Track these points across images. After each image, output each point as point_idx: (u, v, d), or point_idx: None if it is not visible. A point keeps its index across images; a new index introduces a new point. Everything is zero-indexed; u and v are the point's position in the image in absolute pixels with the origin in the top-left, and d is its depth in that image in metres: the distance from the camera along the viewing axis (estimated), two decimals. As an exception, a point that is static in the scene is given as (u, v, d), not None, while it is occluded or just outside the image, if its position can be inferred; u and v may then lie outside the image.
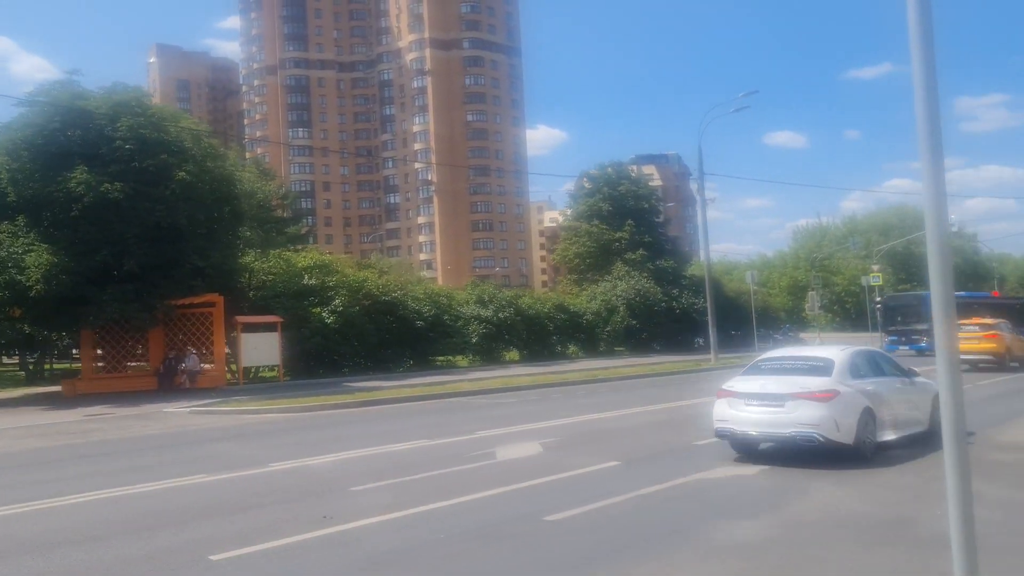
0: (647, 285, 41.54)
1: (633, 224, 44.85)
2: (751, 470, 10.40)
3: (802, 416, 10.39)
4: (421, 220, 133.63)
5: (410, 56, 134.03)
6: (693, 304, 39.82)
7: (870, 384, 11.32)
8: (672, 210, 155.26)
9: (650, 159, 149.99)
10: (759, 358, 12.72)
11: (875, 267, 48.03)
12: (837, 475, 9.87)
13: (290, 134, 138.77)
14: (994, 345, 27.31)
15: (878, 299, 43.87)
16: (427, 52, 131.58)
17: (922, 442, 11.77)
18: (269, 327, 26.60)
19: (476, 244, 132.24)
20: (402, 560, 7.00)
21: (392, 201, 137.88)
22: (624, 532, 7.65)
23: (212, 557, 7.10)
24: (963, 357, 24.29)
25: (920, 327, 34.99)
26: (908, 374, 12.69)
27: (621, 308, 40.36)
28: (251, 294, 28.38)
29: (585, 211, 47.20)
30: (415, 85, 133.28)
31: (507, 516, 8.39)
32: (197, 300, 25.25)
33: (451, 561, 6.96)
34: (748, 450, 11.31)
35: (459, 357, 34.24)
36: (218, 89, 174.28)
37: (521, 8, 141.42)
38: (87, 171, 22.16)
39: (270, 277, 29.30)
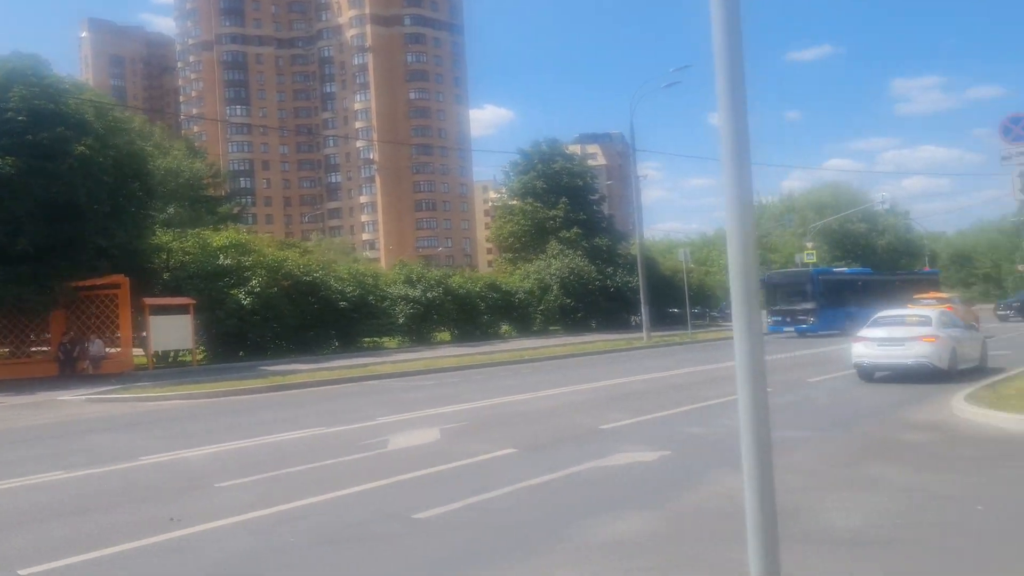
0: (581, 263, 40.98)
1: (568, 202, 44.14)
2: (651, 456, 9.80)
3: (919, 351, 15.97)
4: (363, 199, 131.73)
5: (351, 32, 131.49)
6: (628, 282, 39.39)
7: (955, 332, 16.88)
8: (615, 189, 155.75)
9: (594, 138, 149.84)
10: (878, 315, 18.21)
11: (809, 244, 48.18)
12: (738, 460, 9.31)
13: (227, 112, 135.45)
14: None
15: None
16: (368, 28, 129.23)
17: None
18: (181, 309, 25.38)
19: (420, 224, 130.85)
20: (242, 570, 6.20)
21: (333, 180, 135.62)
22: (499, 530, 6.96)
23: (21, 572, 6.22)
24: None
25: (806, 306, 34.29)
26: (969, 328, 19.20)
27: (555, 287, 39.76)
28: (165, 275, 27.09)
29: (519, 189, 46.35)
30: (356, 62, 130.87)
31: (378, 513, 7.63)
32: (100, 282, 23.92)
33: (294, 570, 6.18)
34: (869, 376, 16.95)
35: (388, 339, 33.34)
36: (153, 65, 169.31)
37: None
38: (-29, 145, 20.72)
39: (187, 257, 27.99)
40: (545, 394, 17.03)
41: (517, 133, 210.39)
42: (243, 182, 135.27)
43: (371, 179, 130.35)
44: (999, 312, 44.44)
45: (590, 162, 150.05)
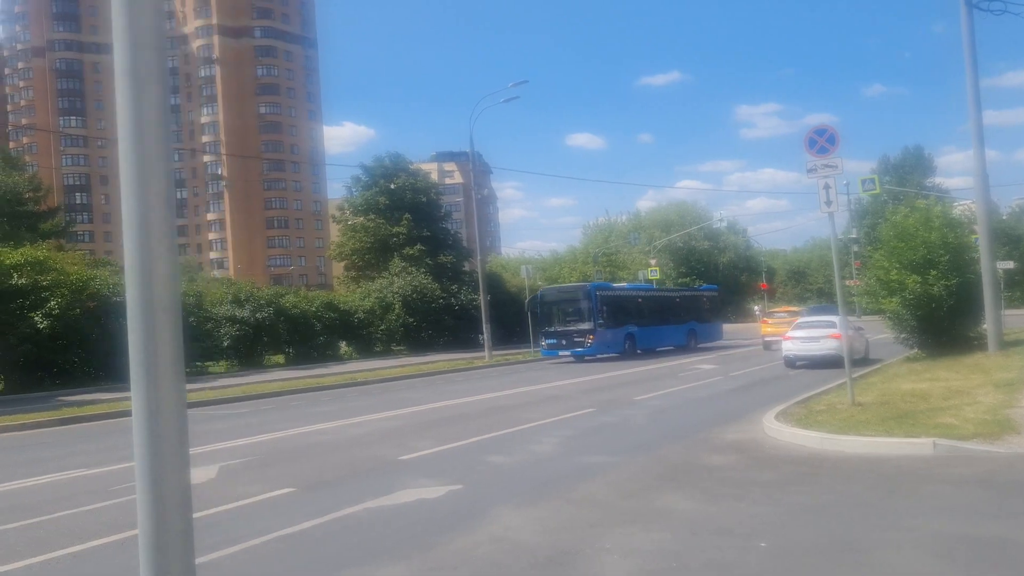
0: (424, 281, 39.93)
1: (411, 218, 43.05)
2: (438, 491, 8.87)
3: (829, 345, 21.52)
4: (211, 217, 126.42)
5: (197, 43, 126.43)
6: (474, 300, 38.65)
7: (851, 332, 18.80)
8: (471, 206, 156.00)
9: (451, 156, 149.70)
10: (800, 320, 25.98)
11: (652, 261, 49.02)
12: (532, 492, 8.53)
13: (61, 123, 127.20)
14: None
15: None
16: (215, 39, 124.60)
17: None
18: (-36, 334, 22.75)
19: (271, 242, 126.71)
20: None
21: (179, 197, 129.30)
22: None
23: None
24: (775, 339, 29.24)
25: (583, 326, 30.65)
26: (859, 329, 24.88)
27: (397, 305, 38.55)
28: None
29: (362, 204, 44.88)
30: (203, 74, 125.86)
31: (87, 580, 6.36)
32: None
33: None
34: (792, 364, 22.92)
35: (214, 363, 31.21)
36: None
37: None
38: None
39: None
40: (359, 420, 15.90)
41: (377, 150, 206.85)
42: (79, 197, 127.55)
43: (219, 195, 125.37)
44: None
45: (447, 180, 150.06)
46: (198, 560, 5.69)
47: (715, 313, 39.50)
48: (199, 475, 10.44)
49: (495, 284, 45.72)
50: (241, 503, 8.77)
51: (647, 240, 66.01)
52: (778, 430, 11.16)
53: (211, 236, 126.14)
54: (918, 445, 9.43)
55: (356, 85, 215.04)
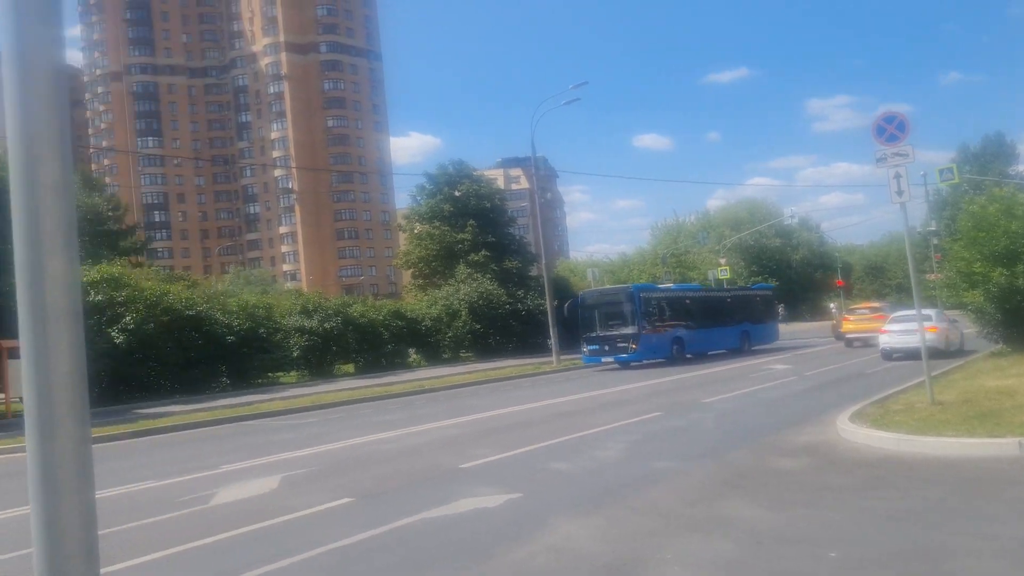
0: (490, 287, 39.87)
1: (475, 224, 43.11)
2: (498, 500, 8.68)
3: (928, 338, 18.13)
4: (283, 230, 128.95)
5: (265, 61, 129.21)
6: (540, 305, 38.41)
7: (946, 324, 22.37)
8: (541, 211, 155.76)
9: (517, 162, 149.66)
10: (896, 314, 25.76)
11: (722, 260, 48.09)
12: (593, 499, 8.28)
13: (139, 143, 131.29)
14: (879, 325, 29.52)
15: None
16: (283, 56, 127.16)
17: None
18: (46, 351, 23.31)
19: (342, 253, 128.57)
20: None
21: (252, 211, 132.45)
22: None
23: None
24: (857, 335, 31.44)
25: (627, 330, 28.80)
26: (954, 321, 26.10)
27: (463, 312, 38.56)
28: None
29: (427, 212, 45.16)
30: (272, 91, 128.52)
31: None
32: (-55, 325, 21.80)
33: None
34: (889, 357, 23.74)
35: (285, 373, 31.64)
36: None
37: (380, 11, 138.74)
38: None
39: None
40: (422, 428, 15.82)
41: (442, 159, 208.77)
42: (158, 215, 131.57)
43: (290, 209, 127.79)
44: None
45: (513, 185, 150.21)
46: (247, 573, 5.62)
47: (769, 313, 37.39)
48: (263, 486, 10.49)
49: (562, 288, 45.44)
50: (299, 514, 8.71)
51: (716, 239, 64.89)
52: (852, 432, 10.67)
53: (284, 249, 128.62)
54: (1002, 446, 8.87)
55: (421, 95, 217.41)
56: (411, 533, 7.58)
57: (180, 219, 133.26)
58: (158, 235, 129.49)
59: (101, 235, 55.11)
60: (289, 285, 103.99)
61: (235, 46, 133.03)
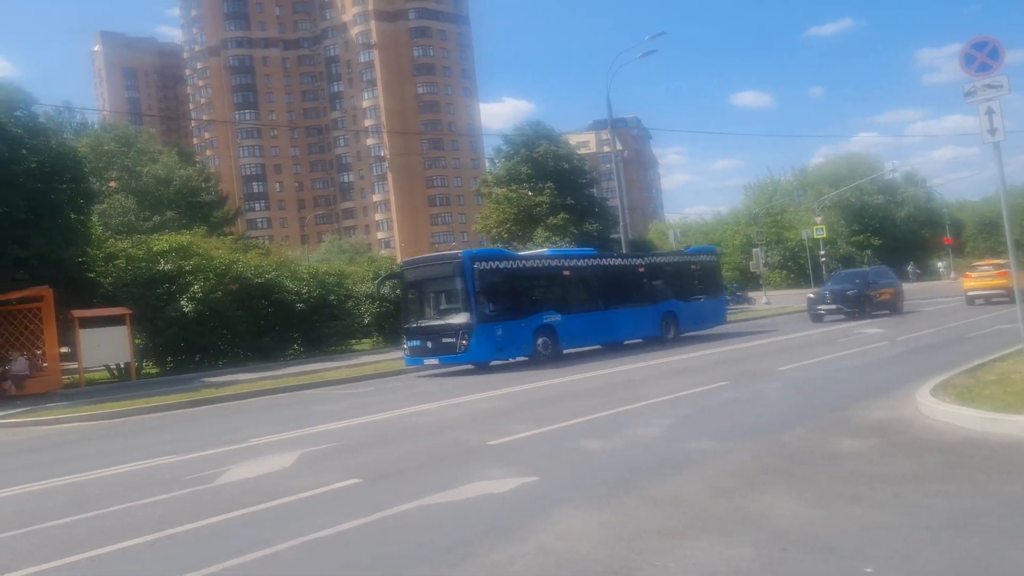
0: (569, 251, 38.69)
1: (553, 186, 41.83)
2: (509, 485, 7.74)
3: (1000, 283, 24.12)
4: (376, 198, 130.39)
5: (355, 30, 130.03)
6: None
7: None
8: (632, 173, 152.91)
9: (607, 124, 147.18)
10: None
11: (817, 218, 45.55)
12: (611, 486, 7.26)
13: (236, 116, 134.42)
14: (1005, 280, 28.89)
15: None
16: (372, 24, 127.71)
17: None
18: (116, 320, 23.66)
19: (434, 219, 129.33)
20: None
21: (346, 180, 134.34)
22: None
23: None
24: (979, 293, 30.42)
25: (455, 320, 20.14)
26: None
27: (542, 277, 37.53)
28: (108, 284, 25.41)
29: (504, 176, 44.13)
30: (362, 59, 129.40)
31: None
32: (20, 295, 22.17)
33: None
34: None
35: (358, 341, 31.33)
36: (167, 76, 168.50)
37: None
38: None
39: (127, 264, 26.20)
40: (468, 399, 15.04)
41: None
42: (256, 186, 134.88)
43: (383, 177, 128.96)
44: (814, 309, 28.81)
45: (606, 148, 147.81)
46: (231, 562, 4.86)
47: (710, 287, 27.72)
48: (277, 463, 9.88)
49: (647, 250, 43.98)
50: (297, 497, 7.99)
51: (814, 197, 61.78)
52: (932, 407, 9.27)
53: (377, 217, 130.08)
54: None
55: (513, 60, 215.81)
56: (400, 523, 6.73)
57: (277, 190, 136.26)
58: (257, 206, 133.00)
59: (195, 207, 56.36)
60: (383, 252, 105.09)
61: (326, 16, 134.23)
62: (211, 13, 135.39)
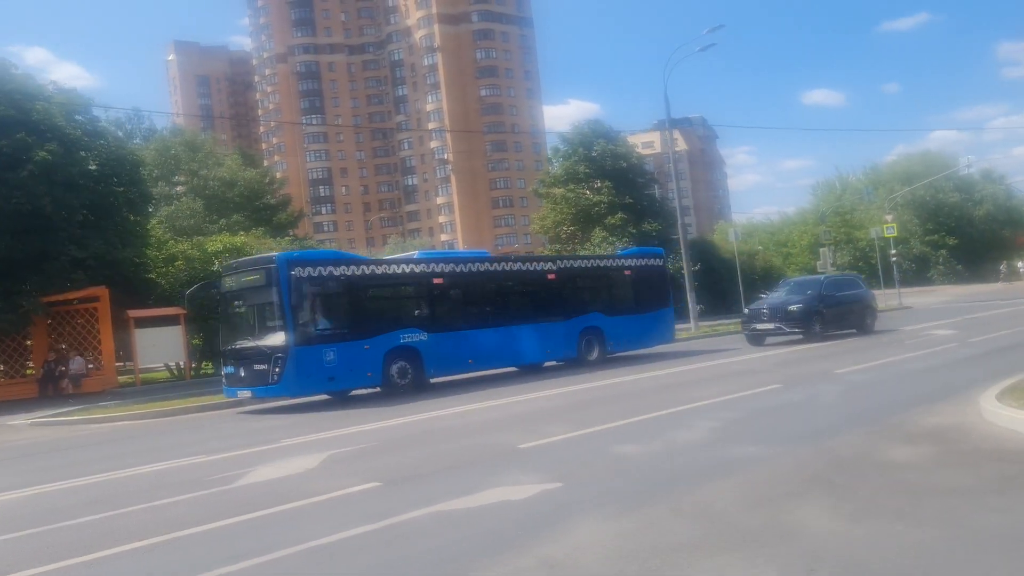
0: (626, 252, 37.98)
1: (611, 186, 41.12)
2: (529, 491, 7.30)
3: None
4: (440, 200, 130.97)
5: (419, 33, 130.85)
6: (682, 269, 36.31)
7: None
8: (698, 173, 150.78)
9: (674, 123, 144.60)
10: None
11: (888, 217, 43.88)
12: (637, 495, 6.76)
13: (303, 121, 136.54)
14: None
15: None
16: (436, 28, 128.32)
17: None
18: (171, 320, 23.92)
19: (497, 222, 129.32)
20: None
21: (410, 183, 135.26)
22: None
23: None
24: None
25: (267, 342, 15.92)
26: None
27: (598, 277, 36.95)
28: (164, 284, 25.75)
29: (561, 175, 43.60)
30: (426, 63, 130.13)
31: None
32: (78, 295, 22.55)
33: None
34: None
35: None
36: (237, 83, 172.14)
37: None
38: (-71, 157, 19.61)
39: (182, 265, 26.52)
40: (513, 400, 14.62)
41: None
42: (322, 190, 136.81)
43: (446, 179, 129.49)
44: (749, 328, 23.22)
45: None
46: (228, 568, 4.54)
47: (652, 297, 23.05)
48: (301, 465, 9.62)
49: (707, 251, 43.07)
50: (311, 500, 7.69)
51: (886, 194, 59.73)
52: (996, 412, 8.52)
53: (441, 219, 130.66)
54: None
55: (577, 61, 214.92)
56: (404, 532, 6.34)
57: (343, 193, 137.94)
58: (324, 209, 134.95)
59: (259, 210, 57.20)
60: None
61: (390, 21, 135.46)
62: (279, 20, 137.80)
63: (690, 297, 30.54)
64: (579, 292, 21.62)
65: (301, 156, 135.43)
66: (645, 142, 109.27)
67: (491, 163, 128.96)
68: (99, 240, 22.05)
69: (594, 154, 42.17)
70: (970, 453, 7.29)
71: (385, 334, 16.89)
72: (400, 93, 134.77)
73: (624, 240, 38.76)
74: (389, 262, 19.57)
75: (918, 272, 61.80)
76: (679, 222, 31.21)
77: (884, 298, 40.65)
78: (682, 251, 31.25)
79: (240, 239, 28.48)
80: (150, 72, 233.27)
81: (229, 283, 17.07)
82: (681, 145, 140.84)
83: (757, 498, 6.38)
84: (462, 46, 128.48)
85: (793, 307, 22.30)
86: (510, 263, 21.06)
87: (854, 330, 23.62)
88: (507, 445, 9.82)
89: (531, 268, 21.29)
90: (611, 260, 24.60)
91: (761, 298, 26.01)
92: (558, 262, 22.30)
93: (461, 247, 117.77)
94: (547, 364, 20.95)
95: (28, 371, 24.10)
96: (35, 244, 20.74)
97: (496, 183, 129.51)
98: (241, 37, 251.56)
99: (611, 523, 6.03)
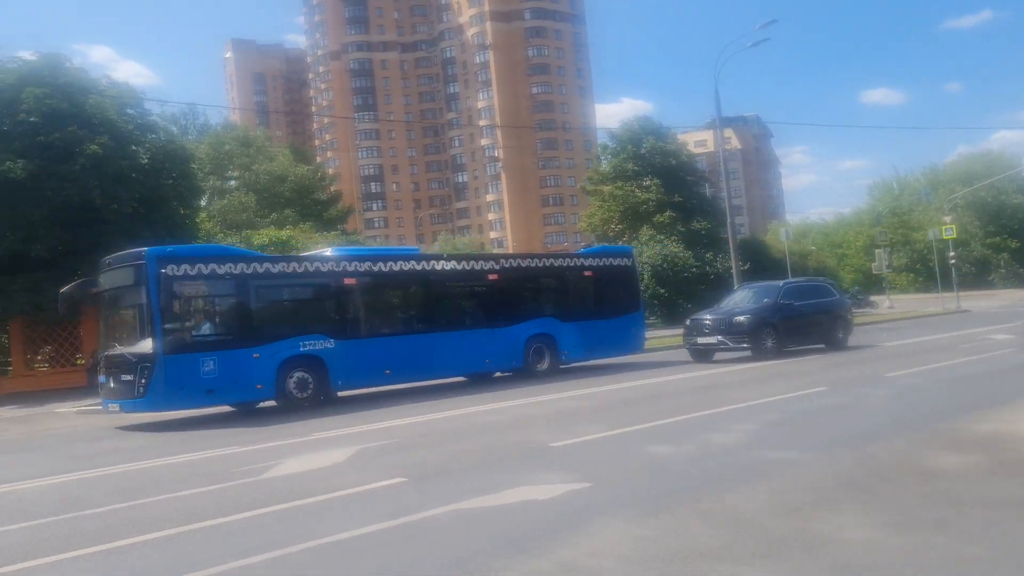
0: (675, 249, 37.43)
1: (660, 183, 40.55)
2: (555, 491, 7.08)
3: None
4: (490, 198, 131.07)
5: (471, 31, 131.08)
6: (730, 268, 35.66)
7: None
8: (752, 172, 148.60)
9: (727, 122, 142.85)
10: None
11: (947, 218, 42.60)
12: (665, 498, 6.50)
13: (356, 118, 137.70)
14: None
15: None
16: (488, 25, 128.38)
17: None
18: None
19: (547, 220, 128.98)
20: None
21: (460, 180, 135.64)
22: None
23: None
24: None
25: (132, 351, 14.10)
26: None
27: (645, 276, 36.44)
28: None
29: (610, 172, 43.14)
30: (478, 60, 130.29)
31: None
32: (123, 287, 22.88)
33: None
34: None
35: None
36: (292, 80, 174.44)
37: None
38: (-17, 150, 20.04)
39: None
40: (548, 398, 14.40)
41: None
42: (374, 186, 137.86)
43: (497, 177, 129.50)
44: (691, 342, 20.17)
45: (724, 146, 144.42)
46: (236, 563, 4.47)
47: (621, 300, 20.88)
48: (329, 458, 9.55)
49: (758, 251, 42.34)
50: (333, 495, 7.58)
51: (945, 195, 58.09)
52: (1052, 421, 8.07)
53: (491, 216, 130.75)
54: None
55: (630, 59, 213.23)
56: (422, 529, 6.18)
57: (394, 189, 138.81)
58: (375, 205, 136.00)
59: (310, 205, 57.90)
60: (496, 251, 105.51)
61: (443, 19, 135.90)
62: (333, 19, 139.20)
63: (738, 297, 29.92)
64: (527, 295, 19.49)
65: (353, 153, 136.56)
66: (698, 140, 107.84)
67: (541, 161, 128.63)
68: (147, 232, 22.32)
69: (643, 151, 41.67)
70: (1020, 463, 6.89)
71: (281, 341, 14.99)
72: (452, 90, 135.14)
73: (672, 238, 38.25)
74: (289, 260, 17.50)
75: (978, 275, 60.01)
76: (728, 221, 30.57)
77: (941, 301, 39.57)
78: (731, 250, 30.64)
79: (286, 232, 28.68)
80: (209, 70, 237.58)
81: (103, 281, 15.21)
82: (735, 144, 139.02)
83: (788, 505, 6.08)
84: (514, 43, 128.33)
85: (740, 318, 19.12)
86: (443, 262, 18.43)
87: (822, 345, 20.46)
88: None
89: (468, 268, 18.83)
90: (567, 260, 21.81)
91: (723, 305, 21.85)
92: (502, 261, 20.52)
93: (510, 244, 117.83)
94: (500, 375, 18.83)
95: (79, 361, 24.51)
96: (85, 236, 21.05)
97: (546, 181, 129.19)
98: (297, 35, 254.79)
99: (634, 525, 5.79)
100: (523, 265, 20.40)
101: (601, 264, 20.87)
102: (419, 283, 17.74)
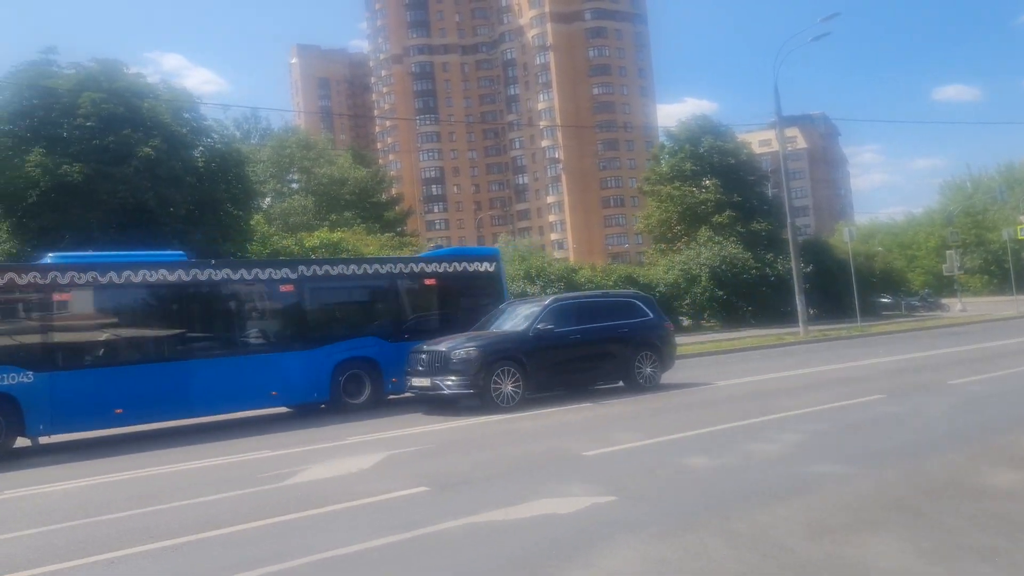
0: (734, 250, 36.48)
1: (719, 183, 39.64)
2: (578, 504, 6.74)
3: None
4: (551, 200, 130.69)
5: (532, 33, 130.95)
6: (791, 270, 34.74)
7: None
8: (818, 172, 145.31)
9: (792, 120, 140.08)
10: None
11: (1023, 217, 40.87)
12: (692, 515, 6.10)
13: (417, 121, 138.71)
14: None
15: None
16: (548, 27, 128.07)
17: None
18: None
19: (608, 221, 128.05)
20: None
21: (521, 182, 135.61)
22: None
23: None
24: None
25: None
26: None
27: (703, 277, 35.62)
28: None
29: (667, 172, 42.36)
30: (538, 62, 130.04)
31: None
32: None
33: None
34: None
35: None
36: (356, 85, 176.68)
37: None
38: (43, 153, 20.46)
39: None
40: (590, 403, 13.99)
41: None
42: (435, 188, 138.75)
43: (557, 179, 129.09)
44: (408, 384, 14.73)
45: (789, 146, 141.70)
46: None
47: (476, 312, 16.30)
48: (356, 464, 9.37)
49: (821, 252, 41.15)
50: (353, 503, 7.40)
51: (1022, 194, 55.84)
52: (1125, 436, 7.40)
53: (551, 218, 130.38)
54: None
55: (693, 59, 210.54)
56: (430, 544, 5.91)
57: (455, 191, 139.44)
58: (436, 207, 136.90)
59: (370, 207, 58.43)
60: (557, 254, 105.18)
61: (503, 21, 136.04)
62: (395, 23, 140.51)
63: (799, 300, 29.04)
64: (337, 310, 16.22)
65: (414, 155, 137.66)
66: (763, 140, 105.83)
67: (602, 162, 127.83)
68: (200, 234, 22.61)
69: (701, 151, 40.85)
70: (1088, 482, 6.31)
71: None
72: (512, 92, 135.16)
73: (731, 239, 37.40)
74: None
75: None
76: (788, 221, 29.68)
77: (1016, 304, 37.86)
78: (791, 251, 29.75)
79: (337, 235, 28.75)
80: (276, 76, 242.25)
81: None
82: (800, 143, 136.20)
83: (823, 525, 5.62)
84: (575, 44, 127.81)
85: (461, 352, 13.63)
86: (213, 270, 14.69)
87: (619, 383, 15.51)
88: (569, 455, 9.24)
89: (248, 277, 14.95)
90: (399, 265, 17.02)
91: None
92: (301, 268, 15.62)
93: (570, 246, 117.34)
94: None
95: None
96: (139, 237, 21.37)
97: (607, 182, 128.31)
98: (360, 40, 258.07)
99: (654, 546, 5.41)
100: (332, 272, 15.81)
101: (449, 271, 16.85)
102: (175, 296, 14.18)
